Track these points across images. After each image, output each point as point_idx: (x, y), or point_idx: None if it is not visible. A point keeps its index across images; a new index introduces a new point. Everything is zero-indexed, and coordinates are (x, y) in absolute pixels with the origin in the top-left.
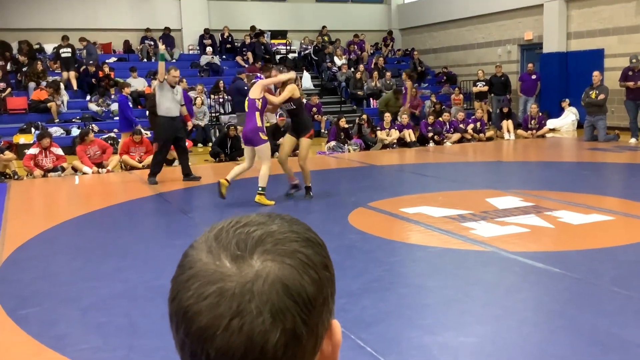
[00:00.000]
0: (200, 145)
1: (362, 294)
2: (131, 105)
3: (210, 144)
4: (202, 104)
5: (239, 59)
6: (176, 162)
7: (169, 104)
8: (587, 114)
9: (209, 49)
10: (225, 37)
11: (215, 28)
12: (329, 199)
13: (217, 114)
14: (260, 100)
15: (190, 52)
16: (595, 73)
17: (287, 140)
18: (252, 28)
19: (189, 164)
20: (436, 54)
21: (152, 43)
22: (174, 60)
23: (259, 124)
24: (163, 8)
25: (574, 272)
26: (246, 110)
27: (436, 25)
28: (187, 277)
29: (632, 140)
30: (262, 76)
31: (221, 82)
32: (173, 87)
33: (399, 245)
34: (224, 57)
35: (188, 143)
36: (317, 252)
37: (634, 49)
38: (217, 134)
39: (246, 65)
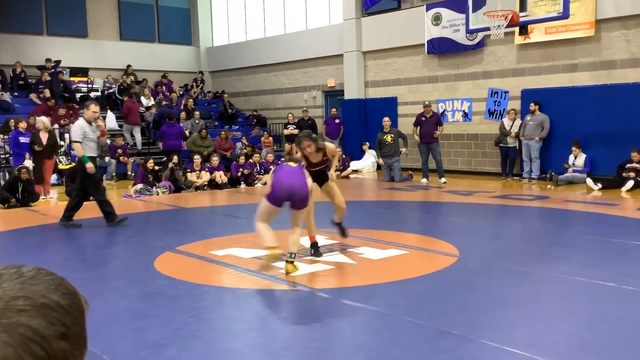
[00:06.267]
0: None
1: (167, 343)
2: (23, 141)
3: None
4: None
5: (33, 96)
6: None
7: None
8: (384, 157)
9: None
10: (17, 72)
11: (5, 63)
12: (134, 244)
13: (7, 156)
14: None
15: None
16: (385, 119)
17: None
18: (48, 60)
19: None
20: (246, 97)
21: None
22: None
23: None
24: None
25: (373, 305)
26: None
27: (245, 70)
28: None
29: (424, 180)
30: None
31: (12, 121)
32: None
33: (207, 290)
34: (15, 94)
35: None
36: (51, 322)
37: (423, 97)
38: (7, 177)
39: (40, 103)
